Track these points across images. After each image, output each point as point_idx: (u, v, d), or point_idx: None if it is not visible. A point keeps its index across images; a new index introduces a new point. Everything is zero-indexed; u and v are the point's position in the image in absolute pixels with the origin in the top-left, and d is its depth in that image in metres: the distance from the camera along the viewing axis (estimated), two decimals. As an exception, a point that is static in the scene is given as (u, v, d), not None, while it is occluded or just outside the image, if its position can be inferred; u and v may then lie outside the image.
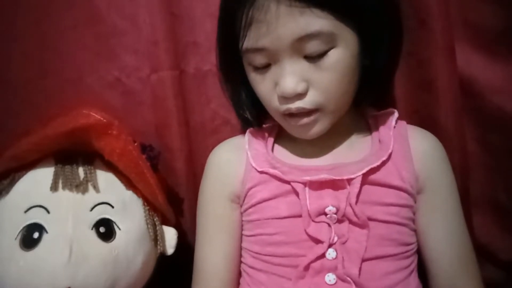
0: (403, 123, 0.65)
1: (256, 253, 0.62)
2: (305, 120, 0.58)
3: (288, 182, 0.60)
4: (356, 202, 0.58)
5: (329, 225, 0.58)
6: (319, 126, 0.59)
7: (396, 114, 0.65)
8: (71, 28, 0.76)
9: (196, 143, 0.79)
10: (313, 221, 0.58)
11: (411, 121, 0.72)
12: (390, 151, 0.60)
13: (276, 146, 0.67)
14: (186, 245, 0.70)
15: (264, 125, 0.69)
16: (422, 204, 0.61)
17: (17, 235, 0.62)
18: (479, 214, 0.79)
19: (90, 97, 0.76)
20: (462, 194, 0.73)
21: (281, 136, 0.67)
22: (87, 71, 0.76)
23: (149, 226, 0.69)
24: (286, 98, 0.57)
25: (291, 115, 0.59)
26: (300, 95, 0.56)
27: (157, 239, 0.69)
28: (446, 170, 0.63)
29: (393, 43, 0.60)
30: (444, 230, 0.61)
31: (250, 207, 0.63)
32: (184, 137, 0.78)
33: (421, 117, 0.75)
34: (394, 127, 0.63)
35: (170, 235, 0.71)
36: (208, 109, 0.79)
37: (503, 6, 0.73)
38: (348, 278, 0.55)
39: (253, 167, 0.63)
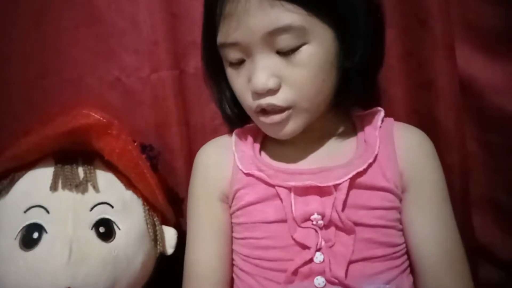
0: (389, 120, 0.64)
1: (246, 256, 0.61)
2: (277, 117, 0.57)
3: (273, 186, 0.59)
4: (343, 208, 0.57)
5: (315, 230, 0.57)
6: (291, 125, 0.58)
7: (382, 113, 0.64)
8: (71, 28, 0.76)
9: (196, 143, 0.79)
10: (299, 226, 0.58)
11: (410, 121, 0.72)
12: (376, 153, 0.59)
13: (263, 148, 0.66)
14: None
15: (249, 125, 0.68)
16: (406, 201, 0.60)
17: (17, 235, 0.62)
18: (479, 214, 0.79)
19: (90, 97, 0.76)
20: (462, 194, 0.74)
21: (268, 138, 0.65)
22: (87, 71, 0.77)
23: (149, 226, 0.69)
24: (258, 94, 0.56)
25: (263, 112, 0.58)
26: (272, 91, 0.55)
27: (157, 239, 0.69)
28: (432, 167, 0.62)
29: (373, 42, 0.58)
30: (427, 227, 0.59)
31: (238, 210, 0.62)
32: (184, 137, 0.79)
33: (421, 117, 0.75)
34: (380, 126, 0.62)
35: (170, 235, 0.71)
36: (208, 109, 0.79)
37: (503, 6, 0.73)
38: (336, 280, 0.55)
39: (239, 169, 0.62)
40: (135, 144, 0.69)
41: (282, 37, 0.53)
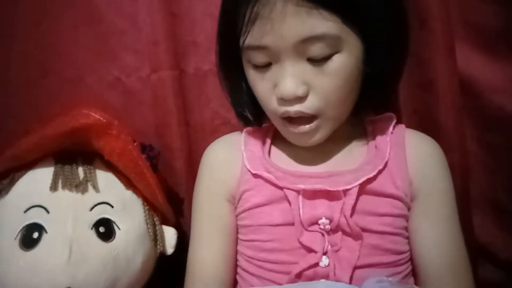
0: (401, 127, 0.64)
1: (250, 257, 0.61)
2: (306, 128, 0.57)
3: (281, 188, 0.59)
4: (351, 214, 0.57)
5: (322, 234, 0.57)
6: (319, 135, 0.58)
7: (394, 119, 0.64)
8: (71, 28, 0.76)
9: (196, 142, 0.79)
10: (306, 230, 0.57)
11: (410, 121, 0.72)
12: (386, 159, 0.59)
13: (273, 149, 0.65)
14: (186, 245, 0.70)
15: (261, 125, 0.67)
16: (414, 210, 0.60)
17: (17, 235, 0.62)
18: (479, 214, 0.79)
19: (90, 97, 0.76)
20: (462, 194, 0.73)
21: (278, 139, 0.65)
22: (87, 71, 0.77)
23: (149, 226, 0.69)
24: (285, 101, 0.55)
25: (290, 120, 0.57)
26: (300, 99, 0.55)
27: (157, 239, 0.69)
28: (442, 177, 0.62)
29: (398, 51, 0.58)
30: (434, 238, 0.59)
31: (243, 212, 0.62)
32: (184, 137, 0.79)
33: (421, 117, 0.75)
34: (392, 132, 0.62)
35: (170, 235, 0.71)
36: (208, 109, 0.79)
37: (503, 6, 0.73)
38: None
39: (247, 169, 0.62)
40: (135, 144, 0.69)
41: (315, 45, 0.52)
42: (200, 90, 0.79)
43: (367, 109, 0.63)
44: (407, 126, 0.66)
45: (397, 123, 0.64)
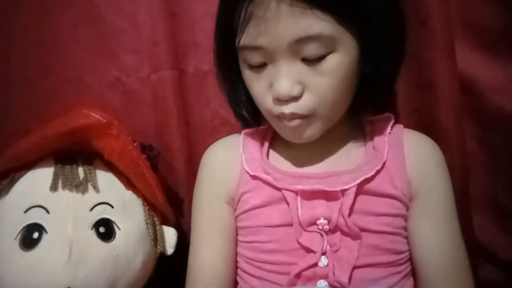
0: (399, 127, 0.64)
1: (250, 259, 0.61)
2: (298, 121, 0.56)
3: (279, 190, 0.59)
4: (350, 214, 0.57)
5: (321, 234, 0.57)
6: (311, 130, 0.58)
7: (392, 120, 0.64)
8: (71, 28, 0.76)
9: (196, 143, 0.79)
10: (304, 230, 0.58)
11: (410, 121, 0.72)
12: (384, 159, 0.59)
13: (271, 151, 0.65)
14: (186, 245, 0.70)
15: (259, 127, 0.68)
16: (413, 210, 0.60)
17: (17, 235, 0.62)
18: (479, 214, 0.79)
19: (90, 97, 0.76)
20: (462, 194, 0.74)
21: (276, 140, 0.65)
22: (87, 71, 0.76)
23: (149, 226, 0.69)
24: (280, 101, 0.55)
25: (284, 116, 0.57)
26: (295, 98, 0.55)
27: (157, 239, 0.70)
28: (441, 177, 0.62)
29: (395, 52, 0.58)
30: (433, 237, 0.59)
31: (242, 213, 0.62)
32: (184, 137, 0.79)
33: (421, 117, 0.75)
34: (390, 133, 0.62)
35: (170, 235, 0.71)
36: (208, 109, 0.79)
37: (503, 6, 0.73)
38: (338, 285, 0.55)
39: (246, 171, 0.62)
40: (135, 144, 0.69)
41: (310, 46, 0.52)
42: (200, 90, 0.79)
43: (365, 109, 0.63)
44: (407, 126, 0.66)
45: (395, 123, 0.64)
